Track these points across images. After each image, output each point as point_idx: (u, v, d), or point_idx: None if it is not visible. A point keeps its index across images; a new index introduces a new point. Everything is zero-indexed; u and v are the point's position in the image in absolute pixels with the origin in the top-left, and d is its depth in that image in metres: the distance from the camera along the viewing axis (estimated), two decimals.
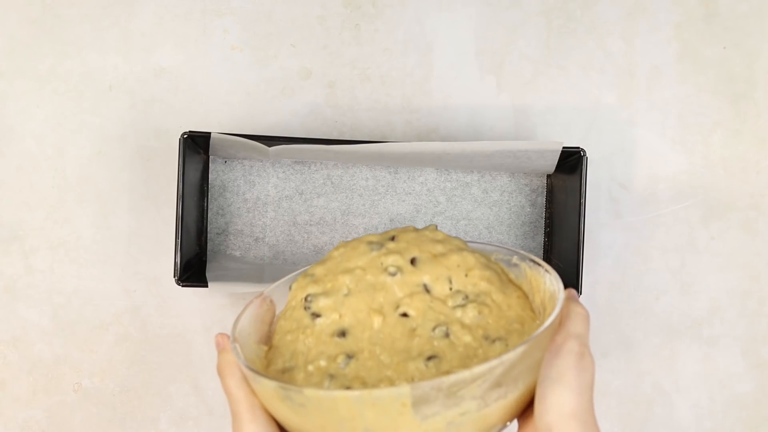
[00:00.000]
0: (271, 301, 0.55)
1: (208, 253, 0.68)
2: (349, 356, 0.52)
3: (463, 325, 0.53)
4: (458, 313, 0.53)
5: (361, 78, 0.70)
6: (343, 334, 0.52)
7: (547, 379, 0.45)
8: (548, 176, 0.70)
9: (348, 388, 0.49)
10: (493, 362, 0.44)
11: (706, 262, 0.71)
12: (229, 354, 0.49)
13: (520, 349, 0.45)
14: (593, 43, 0.71)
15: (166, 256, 0.68)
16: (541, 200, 0.71)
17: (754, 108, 0.72)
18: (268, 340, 0.55)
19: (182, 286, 0.62)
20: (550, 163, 0.65)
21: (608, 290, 0.71)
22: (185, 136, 0.61)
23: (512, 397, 0.47)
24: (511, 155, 0.65)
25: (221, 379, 0.48)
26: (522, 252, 0.58)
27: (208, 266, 0.66)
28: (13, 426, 0.68)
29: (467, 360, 0.53)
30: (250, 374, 0.47)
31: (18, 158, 0.68)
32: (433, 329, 0.53)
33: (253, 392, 0.48)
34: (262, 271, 0.67)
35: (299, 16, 0.69)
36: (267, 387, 0.46)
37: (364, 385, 0.52)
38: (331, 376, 0.52)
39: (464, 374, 0.44)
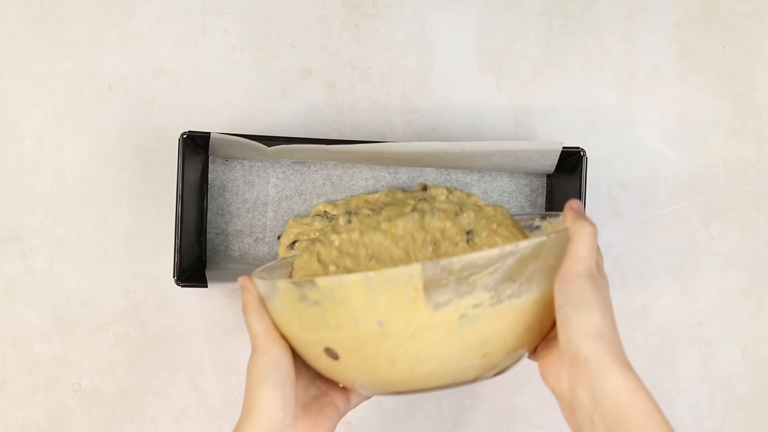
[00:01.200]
0: None
1: (207, 253, 0.68)
2: (351, 215, 0.58)
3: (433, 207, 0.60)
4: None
5: (361, 78, 0.70)
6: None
7: (567, 303, 0.45)
8: (548, 176, 0.70)
9: None
10: (507, 248, 0.44)
11: (706, 262, 0.71)
12: (251, 292, 0.52)
13: (533, 242, 0.45)
14: (593, 43, 0.71)
15: (165, 257, 0.68)
16: (541, 200, 0.71)
17: (754, 108, 0.71)
18: None
19: (182, 286, 0.62)
20: (550, 163, 0.65)
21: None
22: (185, 136, 0.61)
23: (526, 299, 0.46)
24: (511, 155, 0.65)
25: (245, 317, 0.51)
26: (543, 213, 0.62)
27: (208, 266, 0.66)
28: (12, 426, 0.68)
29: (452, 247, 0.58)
30: (266, 285, 0.49)
31: (17, 158, 0.68)
32: (411, 211, 0.58)
33: (272, 327, 0.50)
34: None
35: (299, 16, 0.69)
36: (283, 291, 0.47)
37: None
38: (350, 272, 0.55)
39: (475, 256, 0.43)
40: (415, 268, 0.43)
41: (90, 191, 0.68)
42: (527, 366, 0.70)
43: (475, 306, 0.45)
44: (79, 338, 0.68)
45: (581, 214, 0.49)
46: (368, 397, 0.55)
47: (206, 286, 0.62)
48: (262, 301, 0.51)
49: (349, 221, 0.59)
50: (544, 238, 0.46)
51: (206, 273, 0.64)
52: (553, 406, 0.70)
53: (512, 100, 0.70)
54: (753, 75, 0.72)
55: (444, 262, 0.43)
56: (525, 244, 0.45)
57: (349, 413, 0.69)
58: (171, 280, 0.68)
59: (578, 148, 0.64)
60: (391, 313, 0.44)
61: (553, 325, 0.49)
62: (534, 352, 0.51)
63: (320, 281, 0.45)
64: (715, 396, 0.71)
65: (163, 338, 0.69)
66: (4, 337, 0.68)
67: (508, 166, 0.68)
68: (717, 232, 0.71)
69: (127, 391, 0.68)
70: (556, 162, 0.65)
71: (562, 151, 0.63)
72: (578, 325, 0.44)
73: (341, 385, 0.54)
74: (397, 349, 0.45)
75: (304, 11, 0.69)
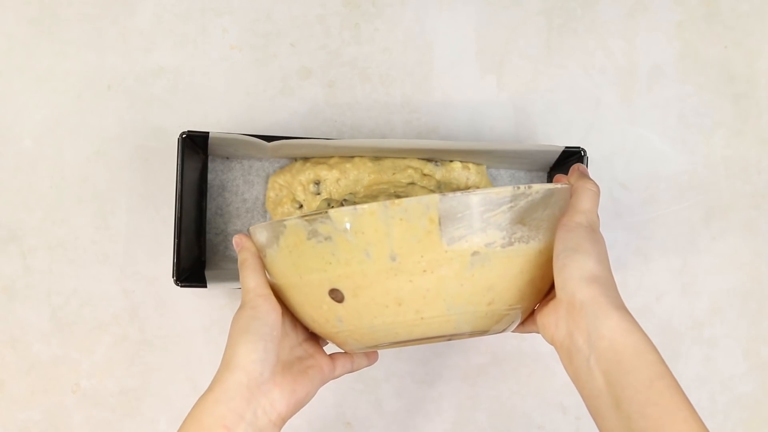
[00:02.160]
0: None
1: (206, 253, 0.68)
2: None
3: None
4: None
5: (360, 77, 0.70)
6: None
7: (565, 250, 0.46)
8: (548, 176, 0.70)
9: None
10: (521, 188, 0.46)
11: (707, 262, 0.71)
12: (249, 250, 0.52)
13: (544, 186, 0.47)
14: (594, 43, 0.71)
15: (164, 257, 0.68)
16: None
17: (756, 107, 0.71)
18: None
19: (181, 286, 0.61)
20: (551, 158, 0.66)
21: None
22: (184, 135, 0.61)
23: (533, 246, 0.47)
24: (513, 153, 0.65)
25: (240, 273, 0.52)
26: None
27: (207, 266, 0.66)
28: (11, 427, 0.67)
29: None
30: (270, 228, 0.49)
31: (16, 158, 0.68)
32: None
33: (265, 284, 0.51)
34: None
35: (299, 15, 0.69)
36: (291, 230, 0.47)
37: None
38: (346, 201, 0.58)
39: (491, 191, 0.45)
40: (433, 199, 0.44)
41: (89, 191, 0.68)
42: (527, 366, 0.70)
43: (488, 245, 0.46)
44: (78, 338, 0.68)
45: (586, 175, 0.53)
46: (353, 369, 0.55)
47: (205, 287, 0.62)
48: (259, 259, 0.52)
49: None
50: (554, 186, 0.48)
51: (205, 273, 0.64)
52: (553, 407, 0.70)
53: (512, 99, 0.70)
54: (754, 74, 0.71)
55: (460, 194, 0.44)
56: (537, 188, 0.46)
57: (349, 414, 0.69)
58: (170, 281, 0.67)
59: (579, 147, 0.64)
60: (405, 246, 0.45)
61: (550, 289, 0.50)
62: (525, 321, 0.52)
63: (334, 212, 0.45)
64: (716, 396, 0.71)
65: (162, 339, 0.68)
66: (3, 337, 0.68)
67: (507, 163, 0.68)
68: (718, 232, 0.71)
69: (126, 391, 0.68)
70: (556, 158, 0.66)
71: (563, 151, 0.64)
72: (574, 269, 0.46)
73: (330, 353, 0.54)
74: (406, 287, 0.46)
75: (304, 10, 0.69)
